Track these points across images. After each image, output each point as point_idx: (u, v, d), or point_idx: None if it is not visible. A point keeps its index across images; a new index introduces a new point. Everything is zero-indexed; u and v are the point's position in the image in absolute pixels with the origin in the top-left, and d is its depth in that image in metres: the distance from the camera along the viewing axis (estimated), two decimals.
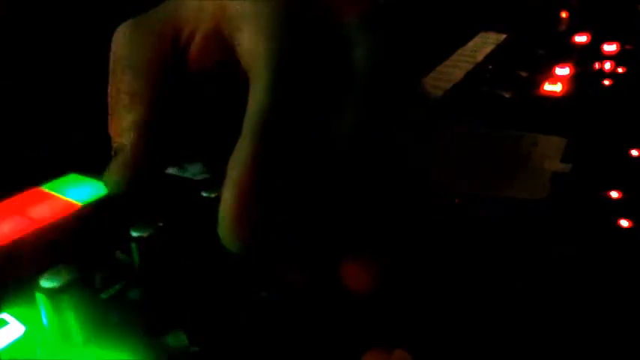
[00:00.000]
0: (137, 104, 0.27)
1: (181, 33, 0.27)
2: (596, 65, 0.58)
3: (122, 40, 0.27)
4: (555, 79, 0.54)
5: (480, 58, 0.63)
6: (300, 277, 0.25)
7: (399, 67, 0.24)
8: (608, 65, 0.58)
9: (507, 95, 0.52)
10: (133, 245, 0.26)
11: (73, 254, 0.29)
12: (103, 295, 0.26)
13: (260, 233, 0.22)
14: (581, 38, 0.67)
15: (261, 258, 0.25)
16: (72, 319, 0.23)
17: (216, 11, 0.26)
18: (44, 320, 0.23)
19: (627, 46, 0.62)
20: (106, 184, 0.28)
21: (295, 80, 0.23)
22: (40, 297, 0.23)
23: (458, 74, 0.57)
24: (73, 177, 0.38)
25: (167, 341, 0.24)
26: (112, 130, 0.28)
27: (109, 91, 0.28)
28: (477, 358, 0.24)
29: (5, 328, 0.24)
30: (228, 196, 0.21)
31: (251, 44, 0.24)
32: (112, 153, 0.28)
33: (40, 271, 0.23)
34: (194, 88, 0.30)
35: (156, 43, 0.27)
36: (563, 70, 0.56)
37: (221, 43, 0.26)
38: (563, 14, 0.76)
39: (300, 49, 0.23)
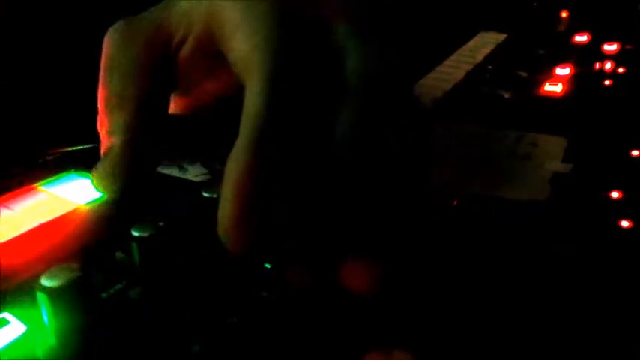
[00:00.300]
0: (126, 106, 0.27)
1: (172, 38, 0.27)
2: (597, 65, 0.58)
3: (113, 42, 0.28)
4: (555, 79, 0.54)
5: (479, 58, 0.63)
6: (300, 277, 0.25)
7: (392, 72, 0.24)
8: (608, 65, 0.58)
9: (507, 95, 0.52)
10: (134, 245, 0.26)
11: (73, 254, 0.29)
12: (103, 295, 0.26)
13: (259, 234, 0.22)
14: (581, 38, 0.67)
15: (261, 258, 0.25)
16: (73, 319, 0.23)
17: (208, 17, 0.26)
18: (45, 319, 0.23)
19: (627, 46, 0.62)
20: (94, 184, 0.28)
21: (289, 84, 0.23)
22: (41, 296, 0.23)
23: (458, 74, 0.57)
24: (72, 176, 0.38)
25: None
26: (101, 129, 0.28)
27: (99, 91, 0.28)
28: (477, 358, 0.24)
29: (6, 328, 0.24)
30: (226, 198, 0.22)
31: (244, 50, 0.24)
32: (101, 153, 0.28)
33: (41, 271, 0.23)
34: (192, 93, 0.30)
35: (146, 46, 0.27)
36: (563, 70, 0.56)
37: (213, 48, 0.26)
38: (563, 14, 0.76)
39: (292, 54, 0.23)
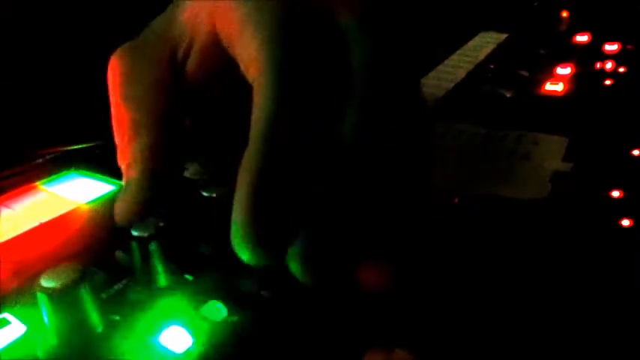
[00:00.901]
0: (141, 135, 0.27)
1: (177, 51, 0.27)
2: (598, 65, 0.58)
3: (119, 70, 0.27)
4: (556, 79, 0.54)
5: (481, 57, 0.62)
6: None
7: (396, 67, 0.24)
8: (609, 65, 0.58)
9: (508, 95, 0.52)
10: (133, 245, 0.26)
11: (73, 253, 0.29)
12: (103, 295, 0.26)
13: (273, 234, 0.22)
14: (582, 38, 0.67)
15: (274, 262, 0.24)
16: (73, 319, 0.23)
17: (213, 18, 0.25)
18: (45, 320, 0.23)
19: (628, 46, 0.62)
20: (115, 216, 0.28)
21: (297, 85, 0.23)
22: (41, 296, 0.23)
23: (459, 74, 0.57)
24: (72, 174, 0.38)
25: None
26: (122, 162, 0.28)
27: (114, 122, 0.28)
28: (477, 358, 0.24)
29: (6, 328, 0.24)
30: (241, 201, 0.21)
31: (251, 53, 0.23)
32: (123, 184, 0.28)
33: (41, 271, 0.23)
34: (195, 97, 0.30)
35: (153, 69, 0.27)
36: (564, 70, 0.56)
37: (219, 53, 0.26)
38: (564, 14, 0.76)
39: (300, 54, 0.23)
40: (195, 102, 0.30)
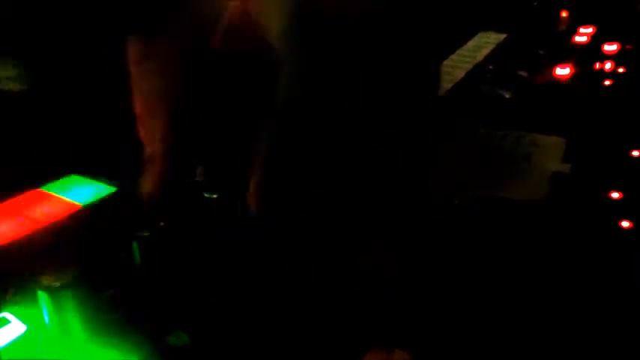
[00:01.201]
0: (164, 108, 0.27)
1: (201, 25, 0.27)
2: (597, 65, 0.58)
3: (142, 43, 0.27)
4: (555, 79, 0.54)
5: (480, 57, 0.63)
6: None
7: (392, 68, 0.25)
8: (608, 65, 0.58)
9: (507, 95, 0.52)
10: (134, 245, 0.26)
11: (74, 254, 0.29)
12: (103, 295, 0.26)
13: (288, 200, 0.23)
14: (581, 38, 0.67)
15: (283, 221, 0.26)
16: (73, 318, 0.23)
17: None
18: (46, 318, 0.23)
19: (627, 46, 0.62)
20: (140, 194, 0.28)
21: (317, 67, 0.25)
22: (41, 295, 0.23)
23: (458, 74, 0.57)
24: (73, 178, 0.38)
25: (168, 341, 0.24)
26: (142, 136, 0.28)
27: (134, 96, 0.28)
28: (477, 358, 0.24)
29: (6, 327, 0.24)
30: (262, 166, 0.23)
31: (277, 28, 0.25)
32: (144, 161, 0.28)
33: (41, 271, 0.23)
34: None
35: (177, 38, 0.27)
36: (563, 70, 0.56)
37: (243, 28, 0.26)
38: (564, 14, 0.76)
39: (313, 24, 0.25)
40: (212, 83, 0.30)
